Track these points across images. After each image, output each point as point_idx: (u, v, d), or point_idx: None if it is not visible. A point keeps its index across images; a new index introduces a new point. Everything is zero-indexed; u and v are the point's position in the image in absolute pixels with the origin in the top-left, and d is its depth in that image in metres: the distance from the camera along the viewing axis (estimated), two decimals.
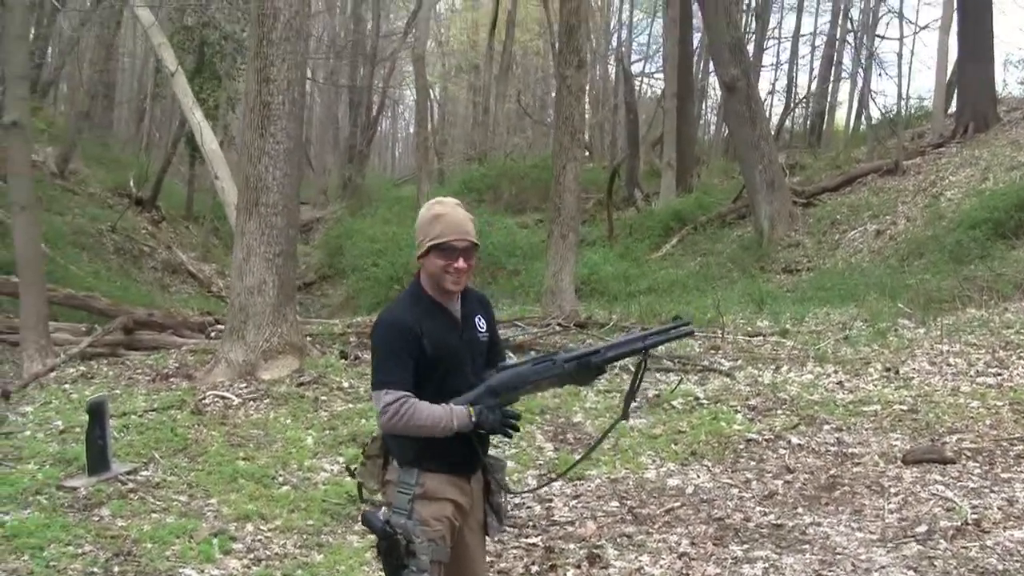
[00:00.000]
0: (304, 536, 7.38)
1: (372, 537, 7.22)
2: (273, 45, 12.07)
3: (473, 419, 4.24)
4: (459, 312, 4.46)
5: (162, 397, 10.97)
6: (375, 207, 40.24)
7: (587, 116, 39.02)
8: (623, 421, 4.95)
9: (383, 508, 4.60)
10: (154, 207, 32.95)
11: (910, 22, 46.54)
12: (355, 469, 4.66)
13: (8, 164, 13.93)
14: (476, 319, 4.52)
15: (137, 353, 13.78)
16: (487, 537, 4.75)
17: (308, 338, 13.19)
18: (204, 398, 10.87)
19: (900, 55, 42.84)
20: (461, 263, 4.36)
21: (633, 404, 8.23)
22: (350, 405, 10.76)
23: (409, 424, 4.16)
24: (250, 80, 12.44)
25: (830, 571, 6.65)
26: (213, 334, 14.68)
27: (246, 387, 11.36)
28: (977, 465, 8.73)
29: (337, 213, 41.22)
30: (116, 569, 6.57)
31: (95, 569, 6.54)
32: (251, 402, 10.86)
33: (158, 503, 7.84)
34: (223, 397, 10.94)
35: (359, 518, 4.51)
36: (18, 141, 13.31)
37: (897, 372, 12.03)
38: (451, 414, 4.22)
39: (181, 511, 7.72)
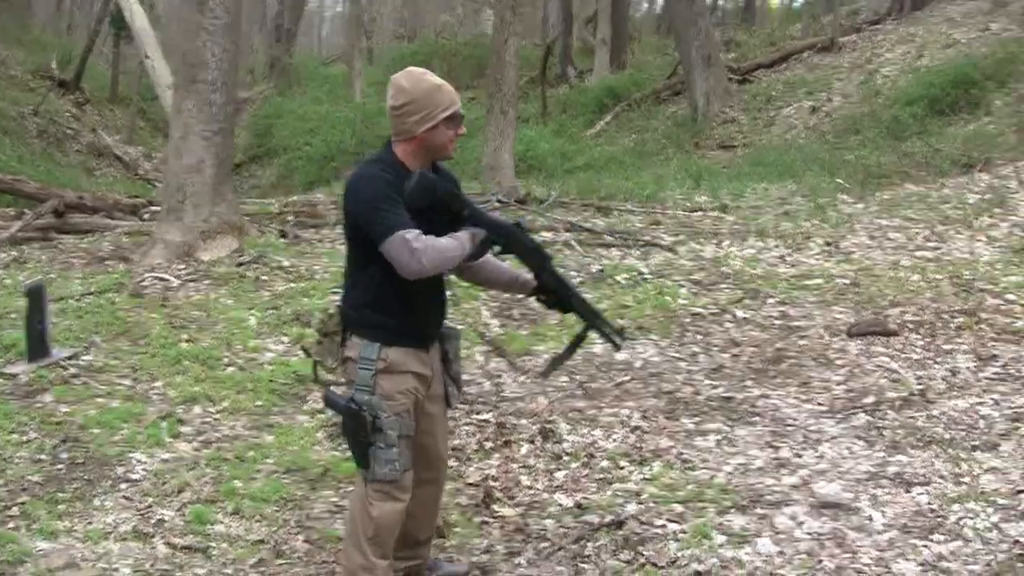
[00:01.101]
0: (253, 417, 7.31)
1: (322, 416, 7.28)
2: None
3: (479, 242, 4.26)
4: None
5: (99, 280, 10.75)
6: (304, 87, 39.69)
7: None
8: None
9: (342, 387, 4.54)
10: (78, 89, 32.24)
11: None
12: (310, 347, 4.58)
13: None
14: None
15: (69, 237, 13.47)
16: (448, 407, 4.71)
17: (246, 218, 12.98)
18: (142, 280, 10.66)
19: None
20: (462, 128, 4.37)
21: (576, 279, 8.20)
22: (292, 284, 10.61)
23: (439, 258, 4.12)
24: None
25: (781, 442, 6.71)
26: (147, 216, 14.42)
27: (185, 268, 11.16)
28: (919, 337, 8.82)
29: (264, 93, 40.58)
30: (64, 456, 6.47)
31: (42, 456, 6.45)
32: (191, 283, 10.67)
33: (102, 388, 7.71)
34: (161, 279, 10.74)
35: (321, 399, 4.44)
36: None
37: (838, 246, 12.08)
38: (462, 239, 4.21)
39: (126, 395, 7.60)
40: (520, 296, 6.59)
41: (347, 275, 4.53)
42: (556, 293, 4.59)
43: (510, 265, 4.76)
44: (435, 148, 4.30)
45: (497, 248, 4.44)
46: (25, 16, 40.40)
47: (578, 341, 4.75)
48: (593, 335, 4.73)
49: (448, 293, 4.65)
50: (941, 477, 5.98)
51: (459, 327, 4.69)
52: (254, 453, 6.68)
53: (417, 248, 4.02)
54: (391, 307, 4.26)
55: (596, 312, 4.70)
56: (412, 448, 4.39)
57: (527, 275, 4.65)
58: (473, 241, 4.24)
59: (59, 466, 6.36)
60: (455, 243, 4.18)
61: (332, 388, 4.58)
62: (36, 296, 8.19)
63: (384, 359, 4.27)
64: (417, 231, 4.06)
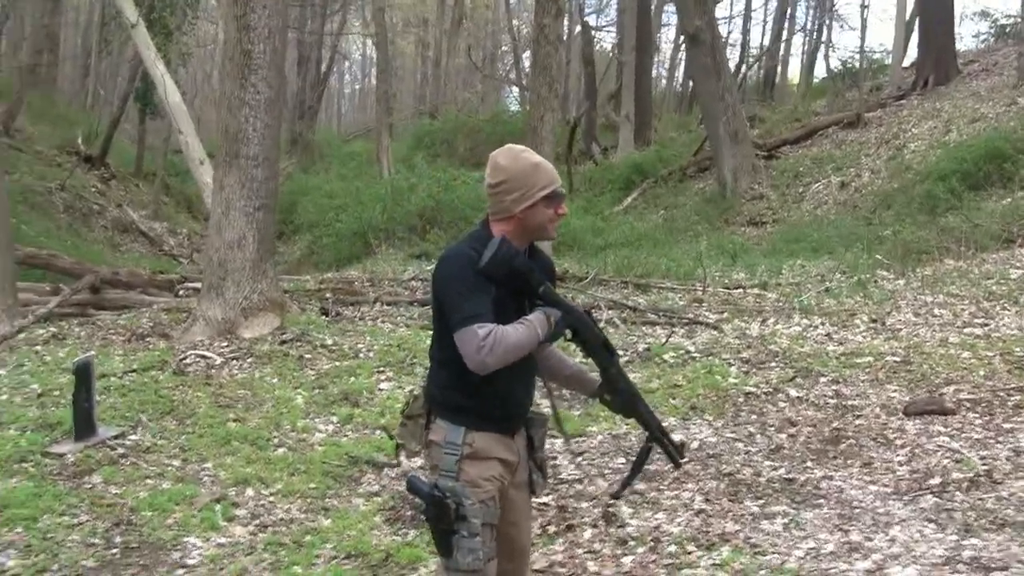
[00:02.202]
0: (308, 500, 7.15)
1: (378, 499, 7.12)
2: None
3: (552, 325, 4.04)
4: None
5: (140, 358, 10.68)
6: (327, 163, 39.91)
7: None
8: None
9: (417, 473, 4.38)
10: (103, 165, 32.51)
11: None
12: (394, 430, 4.43)
13: None
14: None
15: (107, 312, 13.44)
16: (533, 495, 4.54)
17: (286, 295, 12.91)
18: (185, 358, 10.59)
19: (863, 6, 42.69)
20: (564, 207, 4.20)
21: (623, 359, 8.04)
22: (336, 363, 10.53)
23: (506, 352, 3.89)
24: (229, 28, 12.11)
25: (850, 525, 6.52)
26: (182, 292, 14.38)
27: (227, 346, 11.09)
28: (977, 416, 8.66)
29: (288, 170, 40.80)
30: (118, 539, 6.33)
31: (95, 540, 6.30)
32: (234, 361, 10.60)
33: (151, 468, 7.58)
34: (204, 356, 10.66)
35: (406, 484, 4.28)
36: None
37: (884, 323, 11.97)
38: (534, 325, 4.00)
39: (176, 476, 7.47)
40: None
41: (432, 354, 4.35)
42: (622, 395, 4.38)
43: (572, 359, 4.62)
44: (534, 228, 4.15)
45: (568, 335, 4.29)
46: (51, 92, 40.73)
47: (644, 457, 4.50)
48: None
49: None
50: (1020, 562, 5.79)
51: (545, 413, 4.50)
52: (312, 537, 6.51)
53: (484, 345, 3.85)
54: (477, 391, 4.07)
55: (660, 424, 4.51)
56: (496, 537, 4.24)
57: (592, 373, 4.49)
58: (548, 323, 4.09)
59: (113, 550, 6.21)
60: (527, 334, 3.97)
61: (414, 474, 4.41)
62: (84, 374, 8.09)
63: (470, 444, 4.10)
64: (491, 326, 3.89)
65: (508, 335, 3.89)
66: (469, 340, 3.87)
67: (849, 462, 7.80)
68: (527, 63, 40.53)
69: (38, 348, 11.50)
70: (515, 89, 50.50)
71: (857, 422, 8.73)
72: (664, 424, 4.54)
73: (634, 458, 4.56)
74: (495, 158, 4.16)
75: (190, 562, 6.12)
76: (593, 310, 12.35)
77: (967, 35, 51.61)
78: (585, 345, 4.22)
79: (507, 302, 4.04)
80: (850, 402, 9.29)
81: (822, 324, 12.10)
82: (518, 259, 4.04)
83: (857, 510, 6.79)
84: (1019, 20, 30.95)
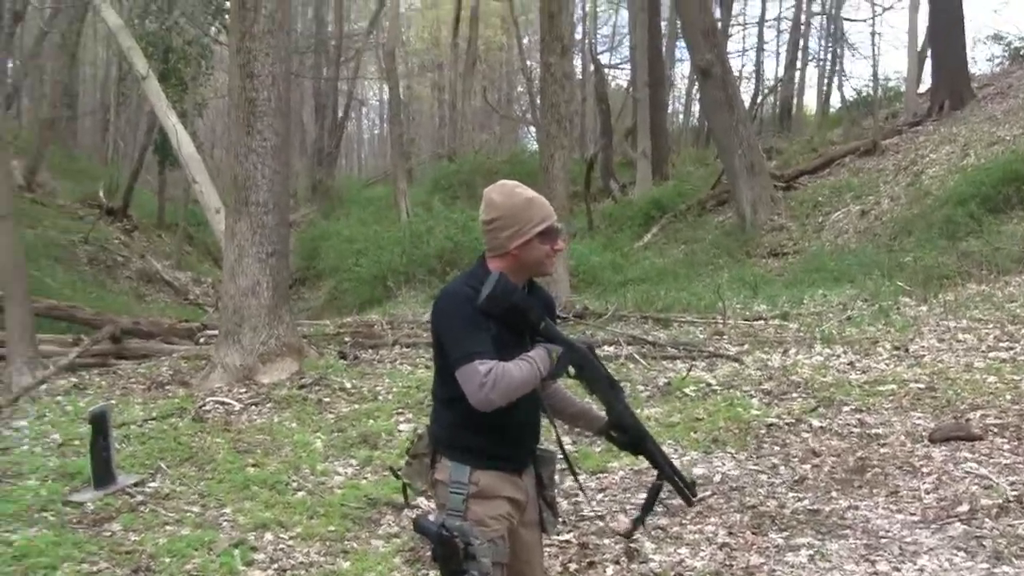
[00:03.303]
0: (327, 543, 7.09)
1: (397, 541, 7.06)
2: (255, 39, 11.80)
3: (554, 360, 3.97)
4: None
5: (160, 405, 10.69)
6: (347, 208, 40.04)
7: None
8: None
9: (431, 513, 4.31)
10: (125, 216, 32.73)
11: (875, 4, 46.54)
12: (399, 470, 4.36)
13: None
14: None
15: (127, 362, 13.46)
16: (544, 534, 4.46)
17: (304, 339, 12.89)
18: (204, 405, 10.58)
19: (874, 34, 42.80)
20: (560, 243, 4.14)
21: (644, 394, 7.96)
22: (355, 406, 10.50)
23: (509, 389, 3.81)
24: (233, 76, 12.14)
25: (877, 555, 6.44)
26: (203, 340, 14.38)
27: (245, 392, 11.08)
28: (1005, 441, 8.57)
29: (308, 216, 40.98)
30: None
31: None
32: (253, 407, 10.59)
33: (170, 515, 7.55)
34: (223, 403, 10.66)
35: (411, 524, 4.21)
36: None
37: (907, 350, 11.87)
38: (535, 361, 3.92)
39: (195, 522, 7.42)
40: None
41: (435, 393, 4.28)
42: (629, 432, 4.27)
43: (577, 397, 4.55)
44: (530, 264, 4.09)
45: (571, 371, 4.21)
46: (71, 147, 41.08)
47: (654, 496, 4.39)
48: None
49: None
50: None
51: (553, 450, 4.42)
52: None
53: (486, 382, 3.79)
54: (482, 428, 4.00)
55: (670, 461, 4.42)
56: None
57: (597, 410, 4.40)
58: (550, 359, 4.02)
59: None
60: (529, 371, 3.90)
61: (421, 514, 4.34)
62: (100, 422, 8.08)
63: (476, 483, 4.03)
64: (492, 362, 3.83)
65: (510, 371, 3.84)
66: (471, 377, 3.82)
67: (875, 491, 7.71)
68: None
69: (59, 398, 11.50)
70: (532, 129, 50.65)
71: (882, 450, 8.64)
72: (684, 458, 4.48)
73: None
74: (489, 194, 4.11)
75: None
76: (613, 346, 12.35)
77: (981, 59, 51.42)
78: (589, 382, 4.14)
79: (507, 339, 3.99)
80: (874, 430, 9.19)
81: (844, 353, 12.00)
82: (516, 295, 3.99)
83: (884, 540, 6.71)
84: None
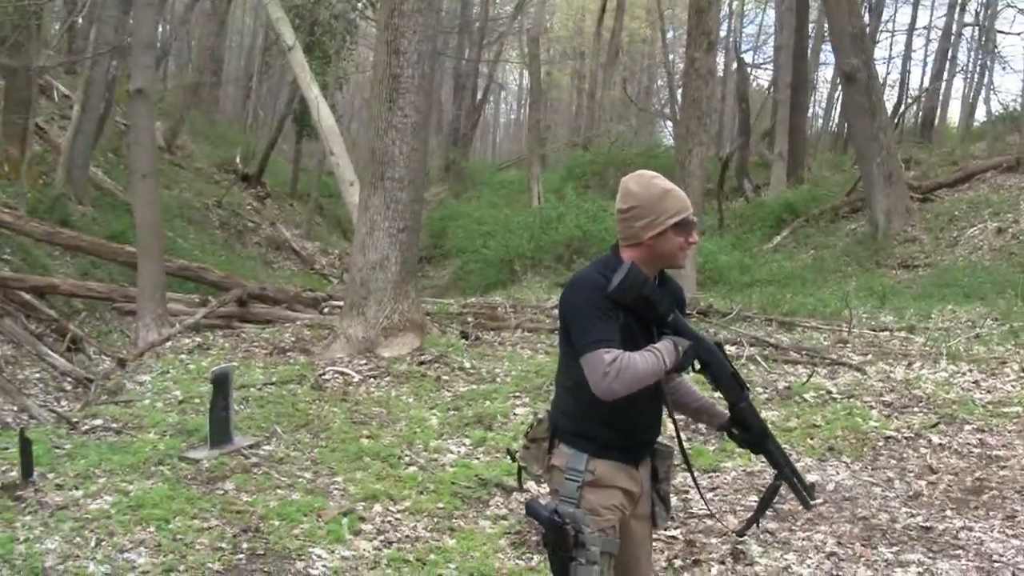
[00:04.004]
0: (435, 519, 7.12)
1: (505, 522, 7.06)
2: (404, 16, 11.86)
3: (680, 354, 3.93)
4: None
5: (280, 371, 10.84)
6: (479, 190, 40.20)
7: None
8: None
9: (546, 498, 4.29)
10: (259, 184, 33.23)
11: None
12: (517, 453, 4.35)
13: (131, 132, 13.90)
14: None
15: (251, 326, 13.69)
16: (654, 528, 4.42)
17: (427, 317, 12.98)
18: (324, 373, 10.70)
19: None
20: (695, 236, 4.10)
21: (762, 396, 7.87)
22: (473, 386, 10.53)
23: (632, 379, 3.78)
24: (379, 52, 12.23)
25: None
26: (327, 310, 14.55)
27: (366, 364, 11.18)
28: None
29: (440, 195, 41.24)
30: (245, 545, 6.38)
31: (223, 544, 6.35)
32: (371, 379, 10.68)
33: (283, 479, 7.65)
34: (343, 373, 10.76)
35: (524, 507, 4.20)
36: (143, 109, 13.28)
37: None
38: (661, 353, 3.89)
39: (306, 488, 7.52)
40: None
41: (558, 379, 4.26)
42: (751, 431, 4.21)
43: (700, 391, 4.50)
44: (663, 255, 4.04)
45: (696, 365, 4.16)
46: (213, 112, 41.81)
47: (771, 496, 4.33)
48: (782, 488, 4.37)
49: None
50: None
51: (671, 445, 4.38)
52: (435, 556, 6.48)
53: (610, 371, 3.75)
54: (602, 418, 3.99)
55: (790, 461, 4.35)
56: (614, 567, 4.14)
57: (720, 406, 4.35)
58: (676, 352, 3.97)
59: (239, 556, 6.25)
60: (654, 362, 3.86)
61: (534, 498, 4.32)
62: (222, 384, 8.22)
63: (592, 471, 4.01)
64: (618, 351, 3.80)
65: (635, 362, 3.80)
66: (595, 365, 3.79)
67: (991, 514, 7.51)
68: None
69: (183, 356, 11.74)
70: (669, 124, 50.35)
71: (1002, 473, 8.41)
72: (798, 464, 4.40)
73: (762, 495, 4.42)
74: (626, 183, 4.08)
75: (314, 572, 6.14)
76: (735, 346, 12.22)
77: None
78: (714, 377, 4.11)
79: (635, 329, 3.96)
80: (995, 452, 8.94)
81: (970, 371, 11.72)
82: (647, 286, 3.95)
83: (997, 564, 6.54)
84: None
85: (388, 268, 11.77)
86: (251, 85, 46.84)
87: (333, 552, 6.43)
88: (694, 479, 4.55)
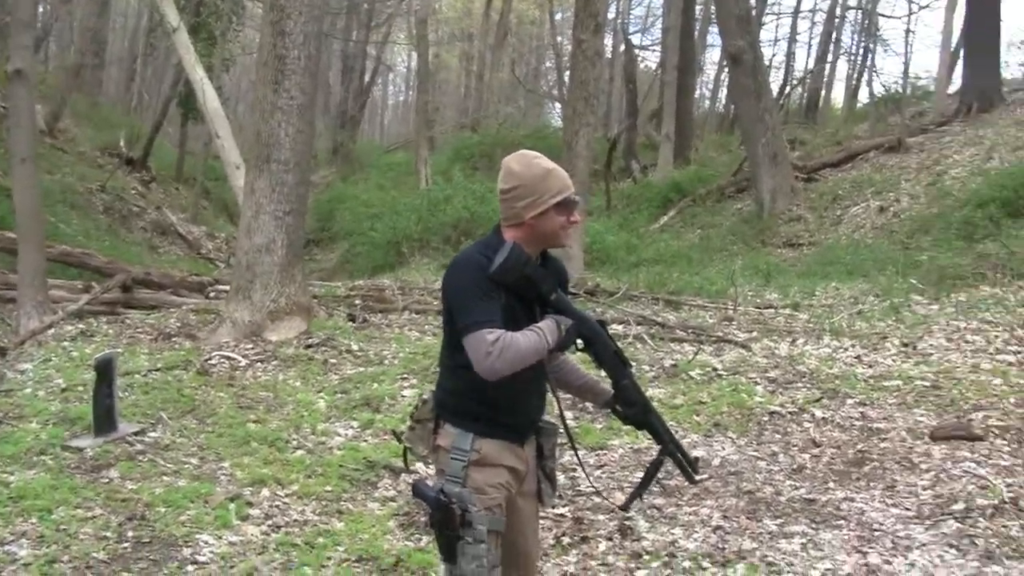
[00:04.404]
0: (323, 503, 7.12)
1: (393, 504, 7.09)
2: None
3: (563, 333, 3.97)
4: None
5: (166, 357, 10.73)
6: (366, 173, 40.06)
7: None
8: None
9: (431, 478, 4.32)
10: (144, 167, 32.77)
11: (911, 1, 46.35)
12: (402, 433, 4.36)
13: (10, 114, 13.63)
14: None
15: (136, 312, 13.52)
16: (541, 505, 4.48)
17: (314, 300, 12.93)
18: (210, 358, 10.62)
19: (908, 32, 42.68)
20: (576, 216, 4.14)
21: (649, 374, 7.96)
22: (360, 369, 10.53)
23: (515, 359, 3.82)
24: (265, 33, 12.16)
25: (870, 547, 6.43)
26: (213, 294, 14.42)
27: (252, 348, 11.12)
28: (1005, 443, 8.49)
29: (327, 178, 41.02)
30: (130, 534, 6.31)
31: (107, 533, 6.28)
32: (258, 363, 10.63)
33: (168, 465, 7.59)
34: (229, 358, 10.69)
35: (409, 487, 4.22)
36: (22, 91, 13.01)
37: (915, 348, 11.81)
38: (544, 332, 3.93)
39: (193, 474, 7.47)
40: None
41: (442, 360, 4.30)
42: (634, 407, 4.26)
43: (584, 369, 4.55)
44: (545, 235, 4.08)
45: (579, 344, 4.18)
46: (96, 95, 41.06)
47: (655, 470, 4.39)
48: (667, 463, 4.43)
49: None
50: None
51: (556, 423, 4.43)
52: (324, 540, 6.47)
53: (493, 351, 3.79)
54: (487, 397, 4.02)
55: (673, 437, 4.42)
56: (501, 545, 4.18)
57: (604, 384, 4.41)
58: (559, 330, 4.01)
59: (125, 544, 6.19)
60: (537, 341, 3.90)
61: (420, 478, 4.35)
62: (105, 370, 8.13)
63: (477, 451, 4.05)
64: (500, 331, 3.84)
65: (517, 341, 3.84)
66: (478, 345, 3.82)
67: (872, 484, 7.69)
68: None
69: (66, 344, 11.57)
70: (557, 105, 50.54)
71: (882, 445, 8.61)
72: (685, 440, 4.46)
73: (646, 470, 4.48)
74: (508, 163, 4.10)
75: (201, 559, 6.09)
76: (622, 325, 12.34)
77: (1013, 63, 51.09)
78: (597, 355, 4.16)
79: (518, 309, 4.00)
80: (876, 425, 9.15)
81: (852, 346, 11.97)
82: (529, 266, 3.98)
83: (877, 533, 6.69)
84: None
85: (274, 251, 11.71)
86: (135, 67, 46.10)
87: (220, 538, 6.40)
88: (577, 456, 4.61)
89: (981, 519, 6.84)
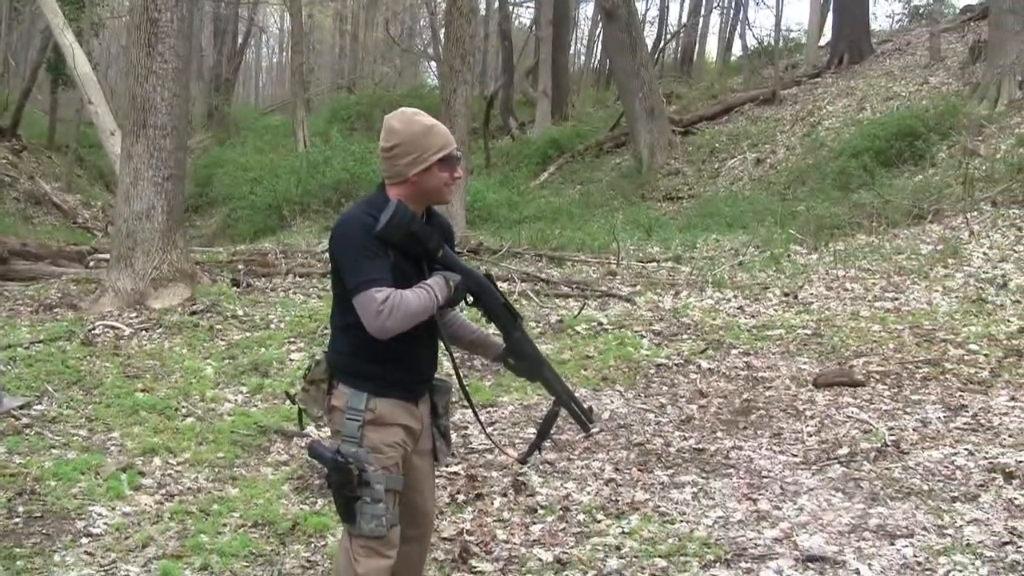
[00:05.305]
0: (216, 469, 7.08)
1: (287, 468, 7.07)
2: None
3: (452, 288, 4.00)
4: None
5: (48, 328, 10.54)
6: (243, 136, 39.57)
7: None
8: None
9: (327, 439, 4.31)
10: (14, 136, 31.98)
11: None
12: (296, 395, 4.35)
13: None
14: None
15: (14, 284, 13.24)
16: (435, 463, 4.50)
17: (197, 266, 12.78)
18: (93, 328, 10.45)
19: None
20: (459, 171, 4.14)
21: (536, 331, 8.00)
22: (247, 333, 10.45)
23: (406, 316, 3.84)
24: None
25: (759, 494, 6.56)
26: (92, 264, 14.18)
27: (136, 316, 10.96)
28: (886, 388, 8.75)
29: (204, 143, 40.41)
30: (21, 509, 6.21)
31: None
32: (143, 332, 10.48)
33: (57, 438, 7.47)
34: (113, 327, 10.53)
35: (305, 448, 4.21)
36: None
37: (795, 297, 12.07)
38: (433, 289, 3.95)
39: (82, 446, 7.36)
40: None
41: (333, 320, 4.28)
42: (526, 359, 4.30)
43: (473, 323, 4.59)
44: (429, 192, 4.08)
45: (468, 299, 4.22)
46: None
47: (551, 421, 4.40)
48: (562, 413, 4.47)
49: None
50: (924, 529, 5.85)
51: (449, 380, 4.44)
52: (219, 506, 6.43)
53: (383, 309, 3.80)
54: (380, 356, 4.03)
55: (567, 388, 4.46)
56: (399, 504, 4.20)
57: (495, 338, 4.44)
58: (448, 286, 4.03)
59: (16, 520, 6.09)
60: (427, 298, 3.92)
61: (317, 440, 4.34)
62: None
63: (372, 410, 4.04)
64: (389, 290, 3.85)
65: (407, 299, 3.86)
66: (367, 305, 3.82)
67: (759, 433, 7.85)
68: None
69: None
70: (433, 64, 50.34)
71: (767, 393, 8.80)
72: (576, 395, 4.49)
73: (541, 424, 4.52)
74: (389, 121, 4.09)
75: (95, 531, 6.01)
76: (507, 282, 12.39)
77: (881, 15, 51.99)
78: (486, 309, 4.17)
79: (406, 267, 4.00)
80: (761, 374, 9.35)
81: (735, 297, 12.18)
82: (415, 223, 3.98)
83: (766, 479, 6.84)
84: (932, 2, 31.28)
85: (155, 218, 11.55)
86: (0, 32, 44.94)
87: (114, 509, 6.32)
88: (474, 411, 4.62)
89: (865, 462, 7.03)
